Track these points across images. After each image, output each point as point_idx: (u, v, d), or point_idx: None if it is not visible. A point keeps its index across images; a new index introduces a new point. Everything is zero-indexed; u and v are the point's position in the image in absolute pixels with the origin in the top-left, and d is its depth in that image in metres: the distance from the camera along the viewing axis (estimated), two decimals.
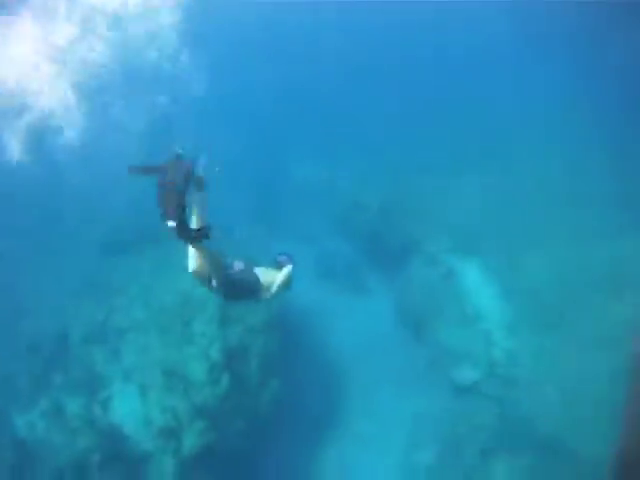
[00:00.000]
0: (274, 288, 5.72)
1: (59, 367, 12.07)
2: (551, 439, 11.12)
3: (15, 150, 7.64)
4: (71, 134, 7.75)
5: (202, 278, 5.55)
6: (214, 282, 5.51)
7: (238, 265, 5.69)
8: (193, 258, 5.40)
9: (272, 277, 5.79)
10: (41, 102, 7.54)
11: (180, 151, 5.09)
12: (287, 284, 5.80)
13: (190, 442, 10.48)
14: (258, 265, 5.88)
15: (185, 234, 4.96)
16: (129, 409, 11.23)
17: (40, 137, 7.80)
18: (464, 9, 22.38)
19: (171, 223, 4.72)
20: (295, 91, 23.19)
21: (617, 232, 13.60)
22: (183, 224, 4.88)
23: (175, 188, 4.74)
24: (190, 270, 5.47)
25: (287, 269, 5.75)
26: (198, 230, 5.14)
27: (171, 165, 4.95)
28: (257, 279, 5.72)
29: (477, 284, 14.15)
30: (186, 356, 11.83)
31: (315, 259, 17.52)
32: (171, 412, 10.80)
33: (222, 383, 11.35)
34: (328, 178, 19.88)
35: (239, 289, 5.70)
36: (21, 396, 11.46)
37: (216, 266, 5.46)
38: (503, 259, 14.05)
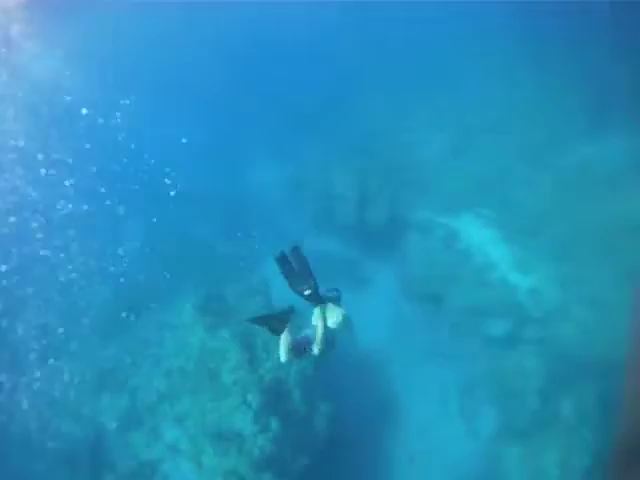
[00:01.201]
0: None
1: (106, 467, 11.58)
2: (603, 362, 11.10)
3: None
4: None
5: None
6: (316, 349, 5.63)
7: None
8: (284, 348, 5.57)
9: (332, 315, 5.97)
10: None
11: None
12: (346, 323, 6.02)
13: None
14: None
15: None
16: None
17: None
18: None
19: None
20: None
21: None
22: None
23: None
24: (284, 360, 5.65)
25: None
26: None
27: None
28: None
29: (477, 236, 13.98)
30: (226, 411, 11.40)
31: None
32: (233, 475, 10.39)
33: (272, 426, 10.95)
34: (293, 177, 19.08)
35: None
36: None
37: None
38: (494, 204, 13.88)
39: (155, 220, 15.87)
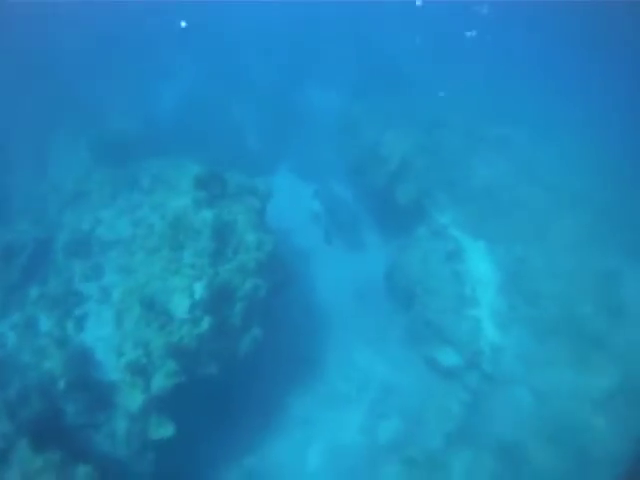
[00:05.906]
0: None
1: (37, 277, 11.45)
2: (513, 445, 11.06)
3: None
4: None
5: None
6: None
7: None
8: None
9: None
10: None
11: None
12: None
13: (159, 383, 9.99)
14: None
15: None
16: (102, 334, 10.79)
17: None
18: None
19: None
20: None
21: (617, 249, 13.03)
22: None
23: None
24: None
25: None
26: None
27: None
28: None
29: (479, 269, 13.53)
30: (169, 287, 11.16)
31: (318, 202, 16.75)
32: (144, 347, 10.25)
33: (202, 324, 10.75)
34: (352, 116, 18.24)
35: None
36: None
37: None
38: (511, 254, 13.34)
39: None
